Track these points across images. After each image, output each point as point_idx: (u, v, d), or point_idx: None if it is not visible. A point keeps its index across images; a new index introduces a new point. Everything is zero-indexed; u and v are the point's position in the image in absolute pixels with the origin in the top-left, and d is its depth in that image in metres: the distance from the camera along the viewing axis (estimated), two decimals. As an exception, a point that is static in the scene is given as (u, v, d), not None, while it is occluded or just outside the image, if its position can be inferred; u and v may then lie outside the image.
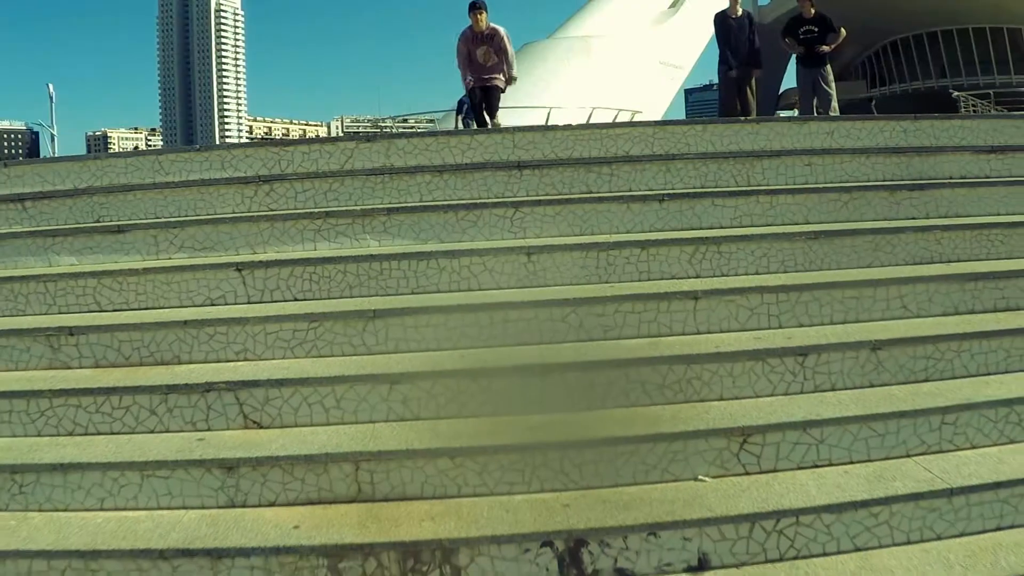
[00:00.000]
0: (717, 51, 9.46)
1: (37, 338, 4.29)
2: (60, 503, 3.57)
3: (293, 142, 5.44)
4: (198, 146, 5.86)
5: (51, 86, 37.39)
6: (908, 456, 3.67)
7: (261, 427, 3.83)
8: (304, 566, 3.18)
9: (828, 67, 9.38)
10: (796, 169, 5.31)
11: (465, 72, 8.01)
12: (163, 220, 4.97)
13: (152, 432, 3.85)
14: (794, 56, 10.09)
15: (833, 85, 9.33)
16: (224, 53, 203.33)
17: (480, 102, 8.03)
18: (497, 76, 7.93)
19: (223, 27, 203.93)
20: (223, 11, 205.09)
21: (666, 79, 26.22)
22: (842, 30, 9.38)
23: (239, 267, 4.54)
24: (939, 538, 3.41)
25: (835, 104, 9.23)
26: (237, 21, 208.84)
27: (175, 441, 3.75)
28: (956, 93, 26.65)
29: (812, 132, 5.70)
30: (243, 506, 3.50)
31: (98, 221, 5.14)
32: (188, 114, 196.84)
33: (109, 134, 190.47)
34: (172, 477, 3.52)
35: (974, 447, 3.76)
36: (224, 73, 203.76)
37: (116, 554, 3.24)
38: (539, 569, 3.17)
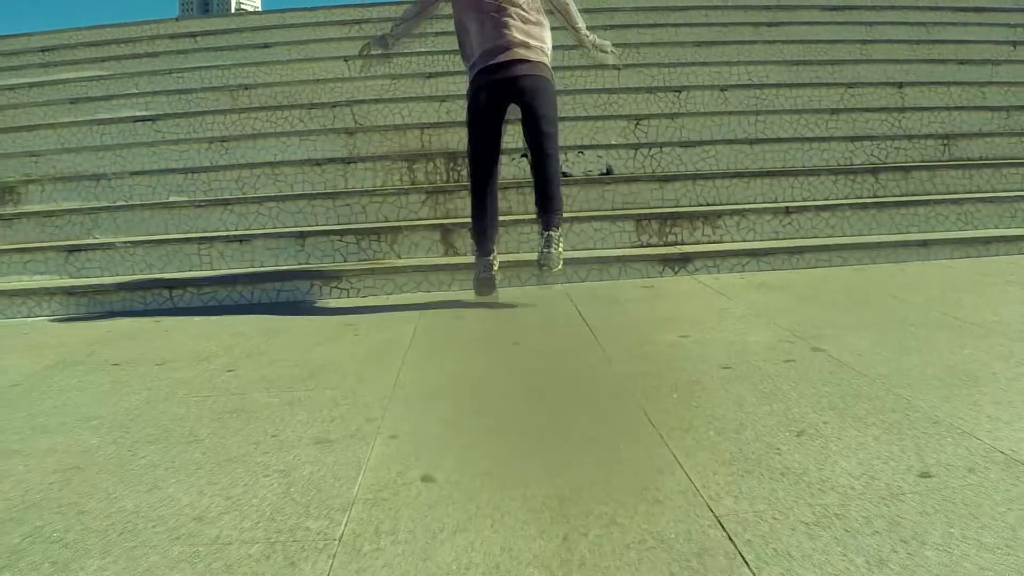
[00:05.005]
0: None
1: (223, 91, 6.66)
2: (250, 158, 5.96)
3: (375, 4, 7.85)
4: (310, 5, 8.33)
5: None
6: (747, 141, 5.99)
7: (363, 126, 6.21)
8: (394, 167, 5.46)
9: None
10: (697, 17, 7.58)
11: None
12: (292, 40, 7.36)
13: (300, 130, 6.24)
14: None
15: None
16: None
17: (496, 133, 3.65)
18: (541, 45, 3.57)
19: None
20: (243, 9, 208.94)
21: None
22: None
23: (345, 58, 6.93)
24: (752, 176, 5.73)
25: None
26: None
27: (315, 128, 6.17)
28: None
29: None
30: (357, 156, 5.81)
31: (248, 44, 7.56)
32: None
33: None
34: (318, 140, 5.78)
35: (778, 139, 6.07)
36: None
37: (289, 163, 5.45)
38: (519, 170, 5.53)
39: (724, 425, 1.96)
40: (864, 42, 7.05)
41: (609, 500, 1.55)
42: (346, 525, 1.50)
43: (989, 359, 2.45)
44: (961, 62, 6.80)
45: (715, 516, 1.47)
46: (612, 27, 7.17)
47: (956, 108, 6.13)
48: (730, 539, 1.38)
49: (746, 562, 1.30)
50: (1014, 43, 7.25)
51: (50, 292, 4.40)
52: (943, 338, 2.75)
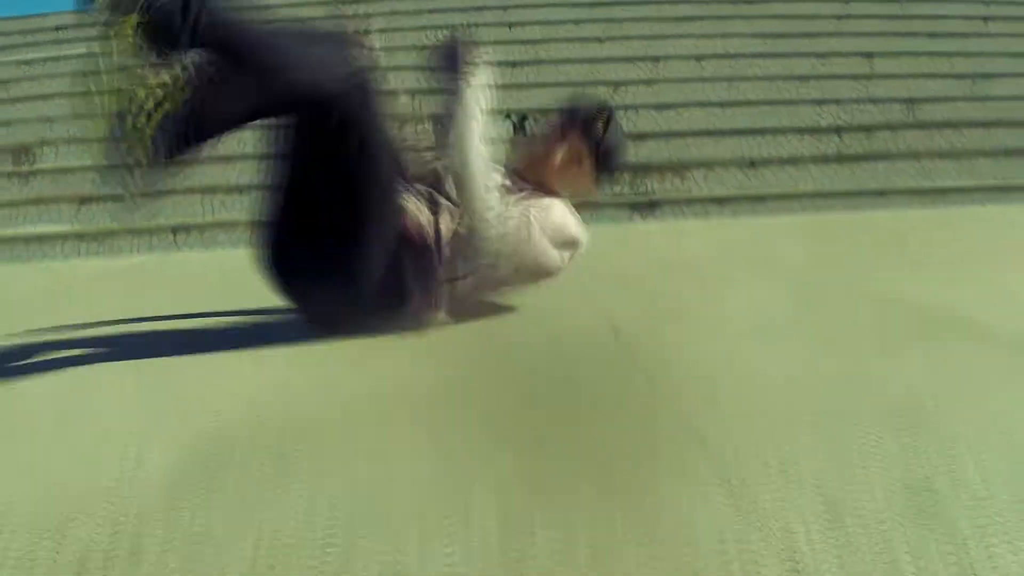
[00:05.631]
0: None
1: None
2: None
3: None
4: None
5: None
6: (718, 104, 6.28)
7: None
8: (385, 128, 5.86)
9: None
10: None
11: None
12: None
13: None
14: None
15: None
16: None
17: None
18: None
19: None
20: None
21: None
22: None
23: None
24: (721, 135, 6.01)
25: None
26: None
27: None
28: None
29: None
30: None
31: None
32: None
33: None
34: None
35: (749, 102, 6.37)
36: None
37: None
38: (503, 129, 5.83)
39: (656, 300, 2.24)
40: (839, 17, 7.31)
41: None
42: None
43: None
44: (931, 35, 7.06)
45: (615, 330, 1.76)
46: (599, 4, 7.46)
47: (923, 75, 6.39)
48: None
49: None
50: (985, 18, 7.50)
51: (63, 236, 4.72)
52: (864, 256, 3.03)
